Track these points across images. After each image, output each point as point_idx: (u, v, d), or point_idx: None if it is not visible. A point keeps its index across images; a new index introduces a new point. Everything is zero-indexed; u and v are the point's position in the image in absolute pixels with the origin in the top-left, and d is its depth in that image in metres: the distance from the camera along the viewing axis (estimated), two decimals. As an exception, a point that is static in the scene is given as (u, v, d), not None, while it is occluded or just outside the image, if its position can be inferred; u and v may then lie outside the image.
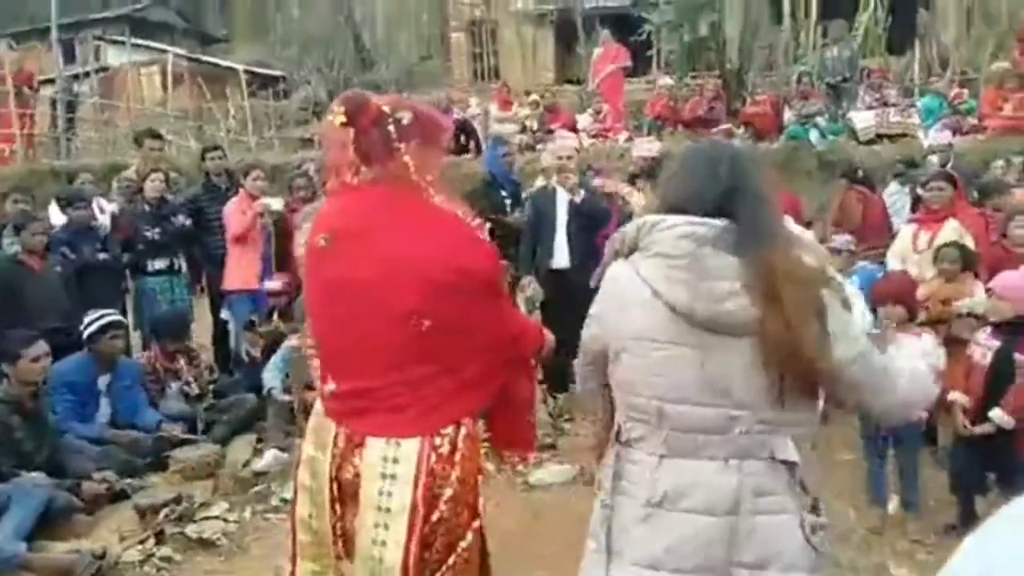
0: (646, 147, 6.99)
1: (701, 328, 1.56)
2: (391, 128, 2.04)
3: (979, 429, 3.44)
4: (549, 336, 2.37)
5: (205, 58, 20.82)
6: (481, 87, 16.82)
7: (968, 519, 3.49)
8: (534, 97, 12.32)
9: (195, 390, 5.16)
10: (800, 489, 1.60)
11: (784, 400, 1.55)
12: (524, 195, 6.17)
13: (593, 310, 1.78)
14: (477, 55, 19.70)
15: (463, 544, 2.08)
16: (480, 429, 2.19)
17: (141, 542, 3.67)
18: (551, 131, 10.06)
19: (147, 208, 5.82)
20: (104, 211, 5.98)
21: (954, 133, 8.46)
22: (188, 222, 5.92)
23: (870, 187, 7.02)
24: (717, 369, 1.56)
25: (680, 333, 1.58)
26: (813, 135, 9.54)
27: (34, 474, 3.83)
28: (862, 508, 3.85)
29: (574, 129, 10.35)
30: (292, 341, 4.86)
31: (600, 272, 1.76)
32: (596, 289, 1.77)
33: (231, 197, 5.99)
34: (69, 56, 19.40)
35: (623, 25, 14.10)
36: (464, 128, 10.66)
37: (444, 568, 2.06)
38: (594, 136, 10.81)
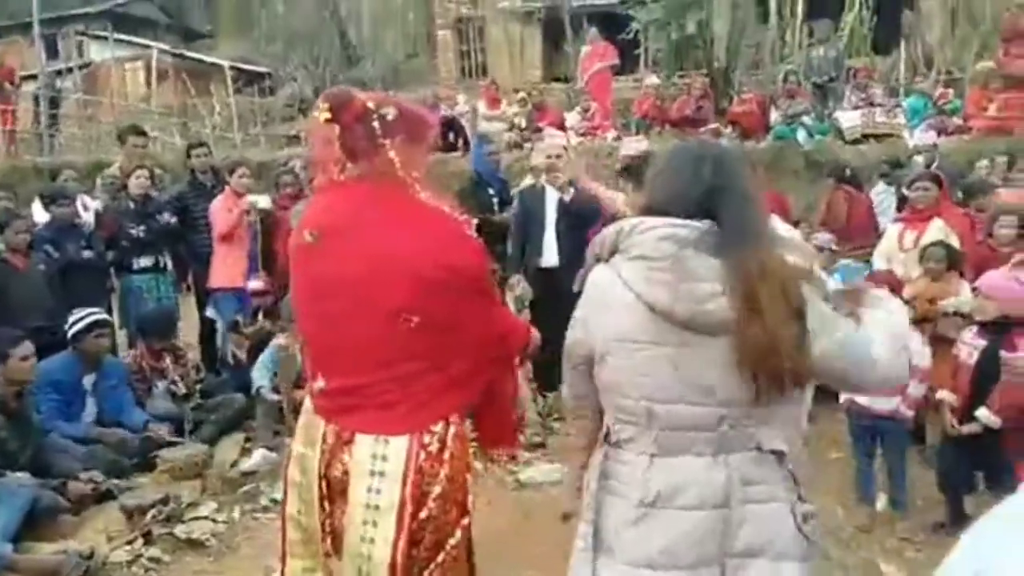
0: (634, 146, 6.99)
1: (681, 327, 1.57)
2: (375, 124, 2.03)
3: (966, 428, 3.47)
4: (535, 334, 2.37)
5: (189, 54, 20.72)
6: (468, 85, 16.79)
7: (956, 517, 3.51)
8: (522, 95, 12.31)
9: (182, 389, 5.12)
10: (791, 478, 1.62)
11: (761, 397, 1.56)
12: (513, 192, 6.16)
13: (576, 314, 1.78)
14: (464, 52, 19.67)
15: (452, 542, 2.08)
16: (468, 428, 2.19)
17: (129, 543, 3.64)
18: (539, 129, 10.07)
19: (132, 205, 5.76)
20: (88, 208, 5.92)
21: (939, 133, 8.55)
22: (173, 220, 5.87)
23: (858, 187, 7.07)
24: (698, 367, 1.57)
25: (660, 332, 1.58)
26: (800, 135, 9.61)
27: (19, 474, 3.79)
28: (850, 506, 3.87)
29: (562, 127, 10.37)
30: (280, 340, 4.84)
31: (582, 276, 1.75)
32: (581, 292, 1.77)
33: (217, 194, 5.94)
34: (51, 51, 19.27)
35: (611, 23, 14.11)
36: (452, 125, 10.64)
37: (433, 566, 2.06)
38: (582, 134, 10.81)
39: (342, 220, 2.05)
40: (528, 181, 5.91)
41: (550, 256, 5.22)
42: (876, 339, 1.60)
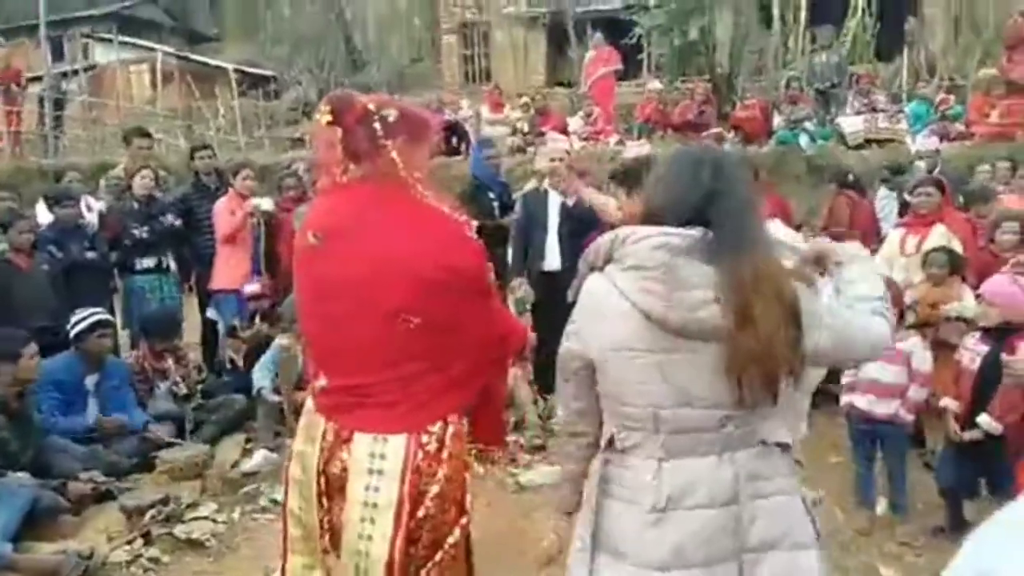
0: (636, 151, 7.00)
1: (675, 335, 1.58)
2: (377, 125, 2.04)
3: (968, 435, 3.45)
4: (531, 335, 2.39)
5: (194, 57, 20.75)
6: (472, 89, 16.82)
7: (956, 522, 3.51)
8: (525, 100, 12.32)
9: (183, 390, 5.13)
10: (795, 467, 1.66)
11: (746, 401, 1.58)
12: (515, 196, 6.16)
13: (571, 326, 1.77)
14: (468, 57, 19.69)
15: (450, 541, 2.09)
16: (465, 428, 2.19)
17: (129, 543, 3.64)
18: (542, 134, 10.08)
19: (135, 206, 5.78)
20: (92, 209, 5.93)
21: (941, 139, 8.53)
22: (177, 222, 5.88)
23: (860, 192, 7.07)
24: (696, 373, 1.59)
25: (656, 340, 1.59)
26: (802, 140, 9.61)
27: (19, 474, 3.80)
28: (850, 510, 3.86)
29: (565, 132, 10.37)
30: (282, 341, 4.84)
31: (576, 286, 1.75)
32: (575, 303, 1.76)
33: (220, 196, 5.96)
34: (57, 53, 19.32)
35: (614, 28, 14.15)
36: (456, 129, 10.65)
37: (430, 564, 2.07)
38: (585, 139, 10.82)
39: (345, 222, 2.06)
40: (531, 185, 5.92)
41: (552, 260, 5.23)
42: (858, 312, 1.64)
